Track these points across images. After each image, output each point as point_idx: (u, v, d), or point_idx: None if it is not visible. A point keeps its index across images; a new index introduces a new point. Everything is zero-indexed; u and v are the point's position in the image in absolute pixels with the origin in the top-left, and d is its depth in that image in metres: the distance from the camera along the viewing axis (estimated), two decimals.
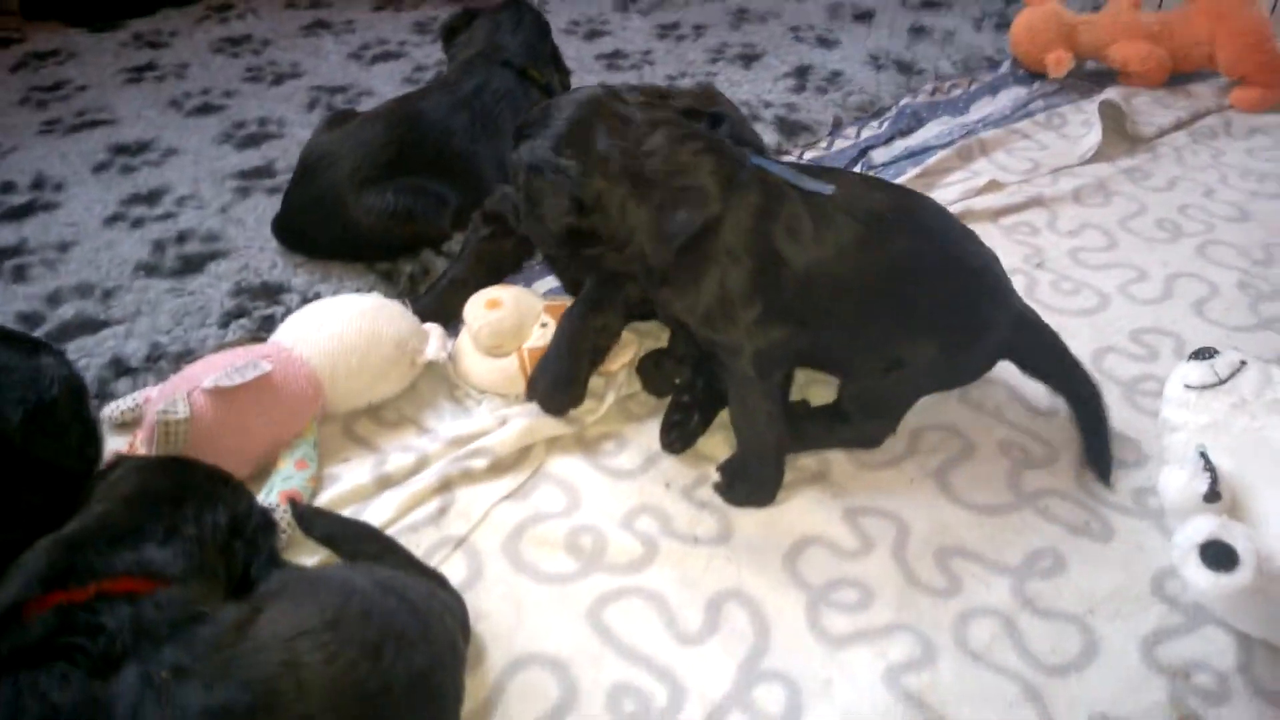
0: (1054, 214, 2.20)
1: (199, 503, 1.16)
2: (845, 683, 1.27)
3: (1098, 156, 2.38)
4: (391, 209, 1.85)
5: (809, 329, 1.44)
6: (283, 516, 1.40)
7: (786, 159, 2.37)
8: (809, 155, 2.41)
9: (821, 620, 1.35)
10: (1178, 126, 2.53)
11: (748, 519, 1.49)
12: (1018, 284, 1.95)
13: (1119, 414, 1.65)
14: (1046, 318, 1.63)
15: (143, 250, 1.99)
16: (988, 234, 2.11)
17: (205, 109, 2.55)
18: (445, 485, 1.52)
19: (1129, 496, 1.52)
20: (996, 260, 1.58)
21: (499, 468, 1.55)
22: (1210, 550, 1.25)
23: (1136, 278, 2.00)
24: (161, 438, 1.44)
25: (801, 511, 1.50)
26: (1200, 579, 1.25)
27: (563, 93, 2.31)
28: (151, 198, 2.17)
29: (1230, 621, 1.31)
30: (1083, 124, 2.51)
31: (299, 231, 1.97)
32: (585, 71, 2.76)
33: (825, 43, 2.93)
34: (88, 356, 1.70)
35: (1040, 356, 1.61)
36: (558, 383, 1.59)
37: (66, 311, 1.83)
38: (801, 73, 2.74)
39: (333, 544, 1.35)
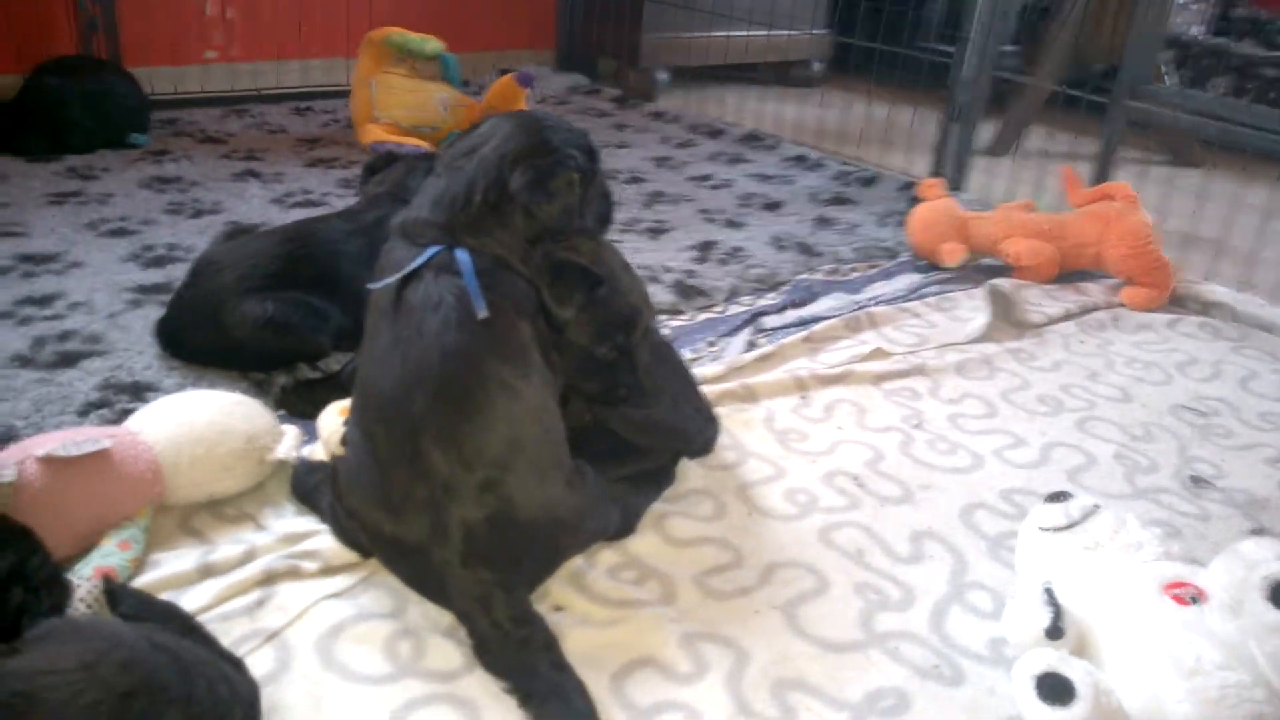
0: (936, 383, 2.25)
1: None
2: None
3: (984, 338, 2.48)
4: (268, 317, 1.86)
5: None
6: (90, 591, 1.33)
7: (680, 319, 2.45)
8: (702, 317, 2.48)
9: None
10: (1067, 317, 2.64)
11: (581, 633, 1.43)
12: (892, 440, 2.01)
13: (982, 567, 1.64)
14: (917, 474, 1.66)
15: (22, 344, 1.98)
16: (868, 395, 2.16)
17: (120, 232, 2.59)
18: (269, 579, 1.45)
19: (985, 645, 1.47)
20: None
21: (330, 570, 1.49)
22: (1046, 683, 1.21)
23: (1013, 444, 2.04)
24: None
25: (639, 631, 1.44)
26: (1035, 713, 1.21)
27: None
28: (44, 301, 2.17)
29: None
30: (972, 309, 2.62)
31: (178, 335, 1.96)
32: None
33: (733, 224, 3.07)
34: None
35: None
36: None
37: None
38: (705, 246, 2.86)
39: (136, 620, 1.27)
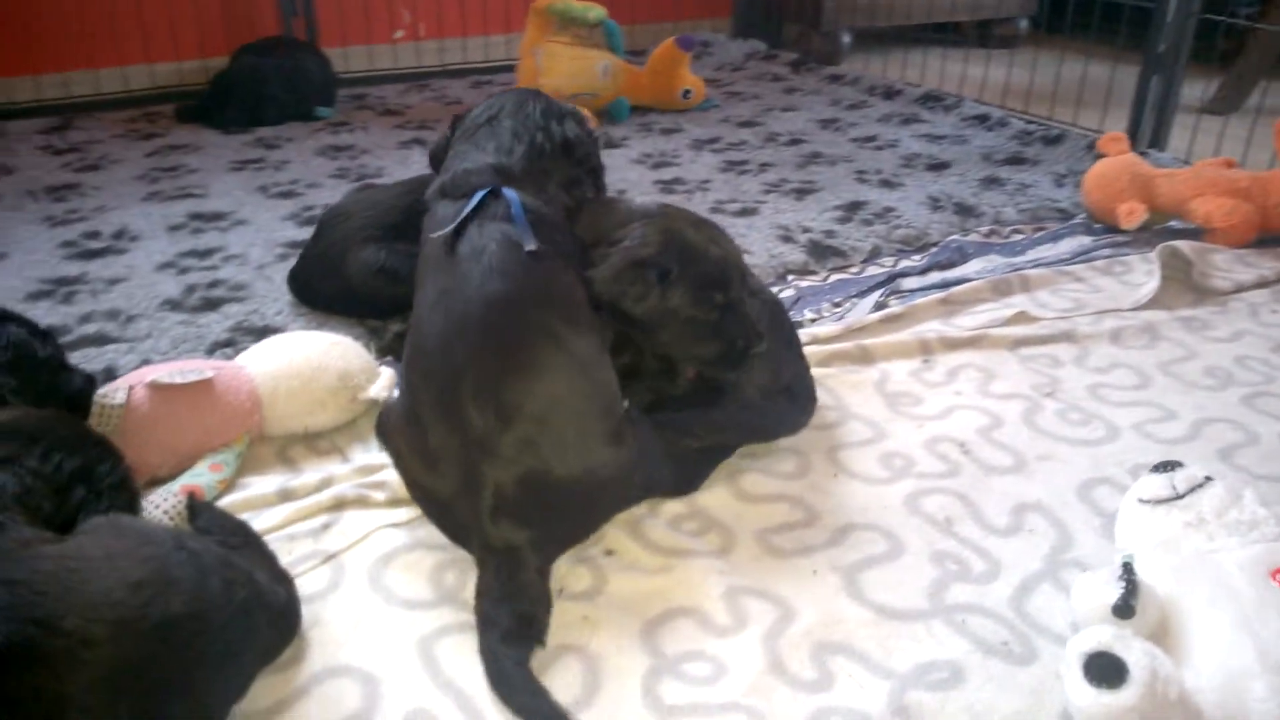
0: (1084, 350, 2.05)
1: (53, 446, 1.24)
2: None
3: (1154, 304, 2.22)
4: (381, 265, 1.94)
5: None
6: (175, 505, 1.45)
7: (809, 279, 2.35)
8: (835, 278, 2.37)
9: (657, 688, 1.23)
10: (1260, 284, 2.33)
11: (626, 577, 1.40)
12: (1016, 408, 1.84)
13: (1089, 545, 1.48)
14: (1037, 444, 1.60)
15: (176, 290, 2.17)
16: (1000, 360, 2.00)
17: (287, 194, 2.79)
18: (338, 505, 1.53)
19: (1070, 627, 1.33)
20: None
21: (395, 502, 1.54)
22: (1097, 662, 1.08)
23: (1161, 417, 1.82)
24: (96, 418, 1.53)
25: (685, 580, 1.40)
26: (1080, 695, 1.08)
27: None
28: (205, 254, 2.38)
29: None
30: (1147, 273, 2.35)
31: (306, 283, 2.09)
32: (639, 191, 2.87)
33: (888, 184, 2.91)
34: (86, 362, 1.84)
35: None
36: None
37: (89, 328, 2.01)
38: (852, 207, 2.73)
39: (208, 533, 1.38)
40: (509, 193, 1.47)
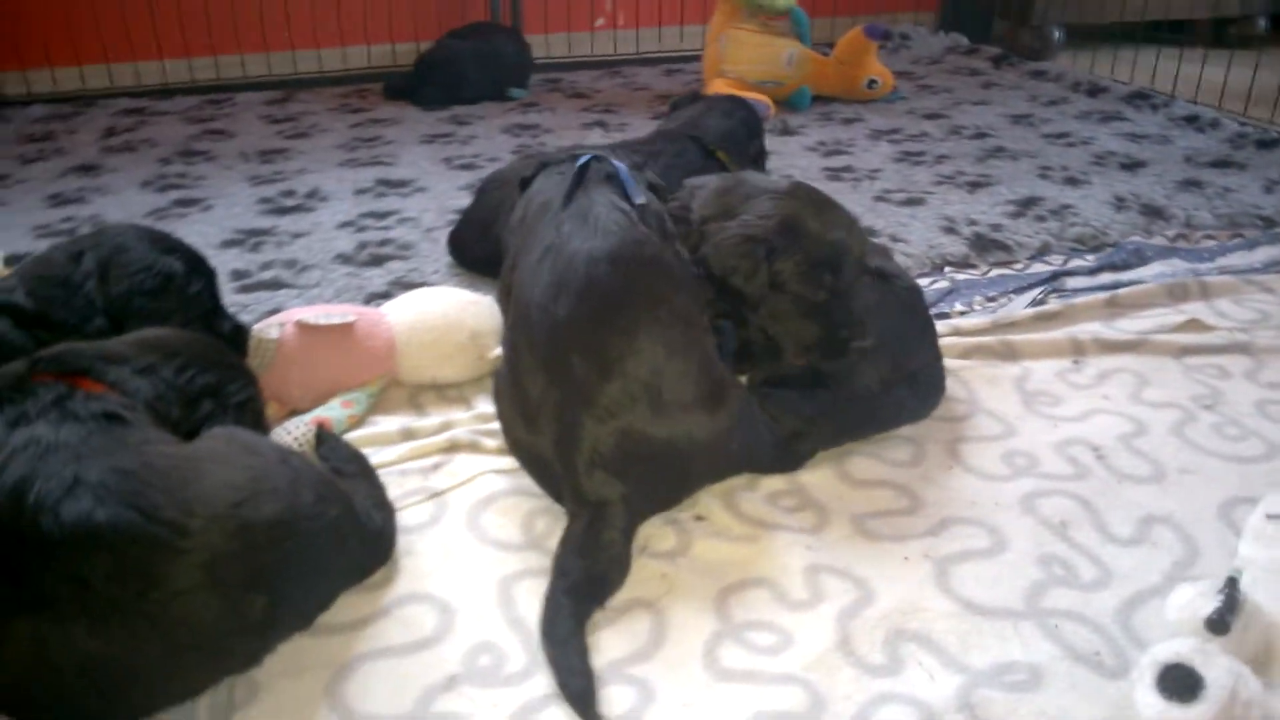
0: (1259, 364, 1.87)
1: (190, 361, 1.37)
2: (706, 708, 1.16)
3: None
4: None
5: None
6: (305, 433, 1.58)
7: (967, 273, 2.26)
8: (996, 272, 2.26)
9: (718, 650, 1.24)
10: None
11: (710, 543, 1.41)
12: (1167, 417, 1.71)
13: (1218, 565, 1.35)
14: (1182, 455, 1.54)
15: (349, 246, 2.34)
16: (1161, 367, 1.85)
17: (468, 166, 2.94)
18: (452, 447, 1.61)
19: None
20: None
21: (505, 449, 1.60)
22: (1172, 673, 1.00)
23: None
24: (253, 351, 1.69)
25: (768, 552, 1.39)
26: (1148, 705, 1.00)
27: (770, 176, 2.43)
28: (383, 215, 2.55)
29: None
30: None
31: (463, 244, 2.20)
32: (806, 177, 2.81)
33: (1072, 182, 2.74)
34: (258, 304, 2.03)
35: None
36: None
37: (267, 274, 2.20)
38: (1027, 202, 2.59)
39: (327, 460, 1.50)
40: (613, 160, 1.50)
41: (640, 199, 1.45)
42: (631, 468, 1.36)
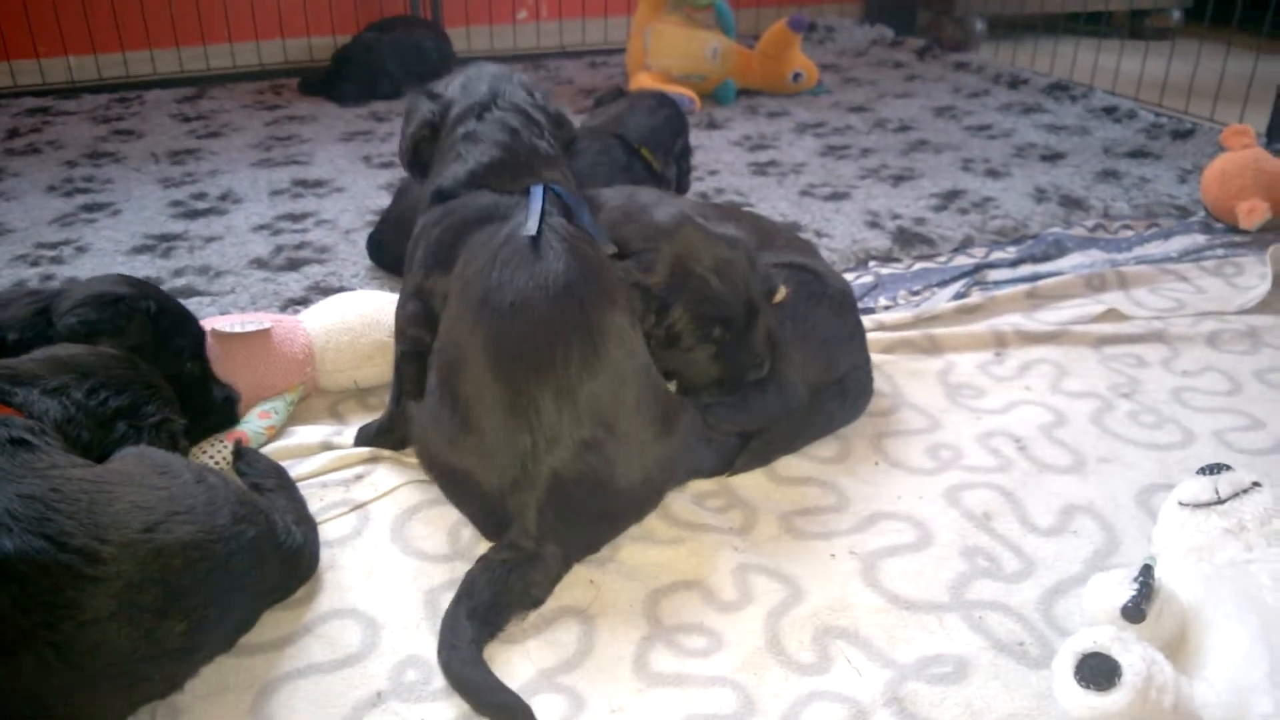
0: (1174, 352, 1.91)
1: (104, 382, 1.32)
2: (637, 713, 1.15)
3: (1262, 309, 2.06)
4: None
5: None
6: (221, 451, 1.53)
7: (891, 267, 2.28)
8: (919, 266, 2.28)
9: (648, 655, 1.22)
10: None
11: (637, 548, 1.40)
12: (1085, 407, 1.74)
13: (1138, 553, 1.38)
14: (1101, 445, 1.57)
15: (265, 250, 2.28)
16: (1080, 357, 1.89)
17: (388, 165, 2.89)
18: (374, 457, 1.57)
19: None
20: None
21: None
22: (1090, 663, 1.01)
23: (1247, 426, 1.69)
24: None
25: (696, 554, 1.38)
26: (1067, 695, 1.01)
27: (676, 185, 2.42)
28: (299, 217, 2.49)
29: None
30: (1260, 276, 2.18)
31: (383, 246, 2.15)
32: (731, 173, 2.83)
33: (993, 174, 2.79)
34: None
35: None
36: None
37: (180, 281, 2.13)
38: (950, 195, 2.62)
39: (245, 476, 1.45)
40: (559, 190, 1.47)
41: (612, 248, 1.42)
42: (582, 516, 1.33)
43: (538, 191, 1.49)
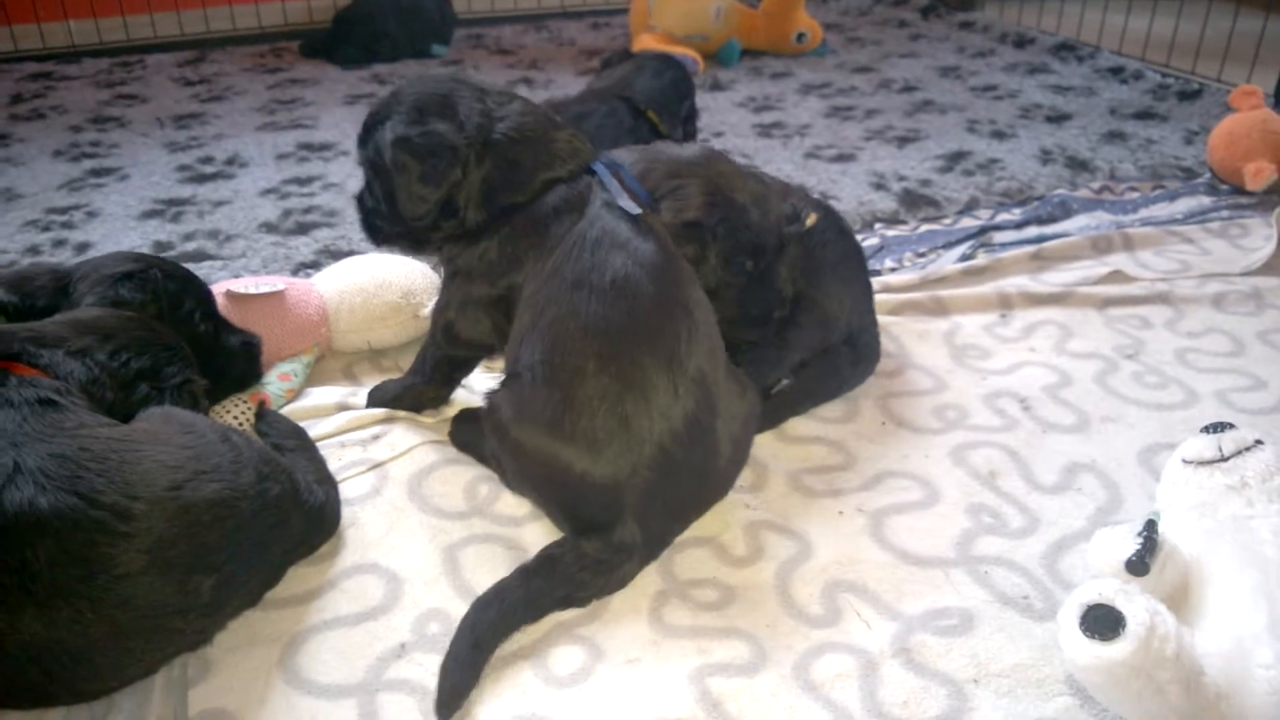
0: (1179, 313, 1.93)
1: (126, 344, 1.35)
2: (652, 663, 1.18)
3: (1267, 270, 2.07)
4: None
5: None
6: (243, 411, 1.56)
7: (897, 229, 2.29)
8: (925, 228, 2.29)
9: (663, 608, 1.26)
10: None
11: None
12: (1090, 367, 1.76)
13: (1140, 510, 1.41)
14: (1105, 405, 1.59)
15: (274, 214, 2.29)
16: (1084, 319, 1.91)
17: None
18: (390, 418, 1.59)
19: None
20: None
21: (444, 420, 1.59)
22: (1094, 613, 1.04)
23: (1249, 386, 1.71)
24: None
25: (709, 511, 1.40)
26: (1073, 645, 1.04)
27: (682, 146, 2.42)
28: (306, 181, 2.50)
29: (1110, 708, 1.07)
30: (1265, 238, 2.19)
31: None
32: (736, 135, 2.83)
33: (999, 135, 2.79)
34: None
35: None
36: None
37: (190, 246, 2.15)
38: (955, 157, 2.63)
39: (267, 437, 1.48)
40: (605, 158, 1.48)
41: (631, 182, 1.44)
42: (681, 509, 1.34)
43: (604, 171, 1.45)
